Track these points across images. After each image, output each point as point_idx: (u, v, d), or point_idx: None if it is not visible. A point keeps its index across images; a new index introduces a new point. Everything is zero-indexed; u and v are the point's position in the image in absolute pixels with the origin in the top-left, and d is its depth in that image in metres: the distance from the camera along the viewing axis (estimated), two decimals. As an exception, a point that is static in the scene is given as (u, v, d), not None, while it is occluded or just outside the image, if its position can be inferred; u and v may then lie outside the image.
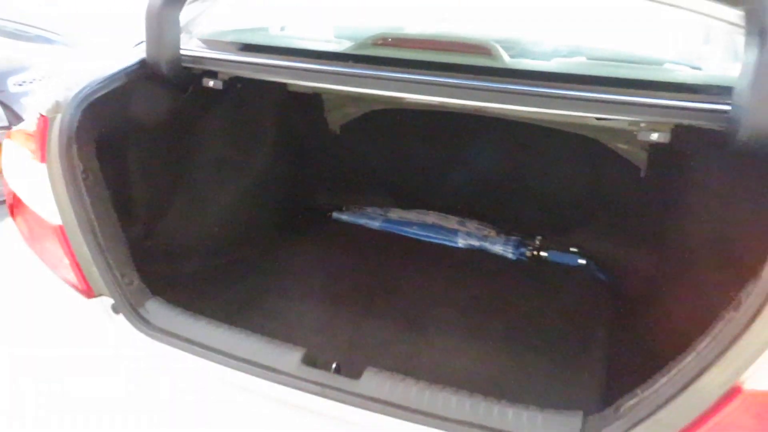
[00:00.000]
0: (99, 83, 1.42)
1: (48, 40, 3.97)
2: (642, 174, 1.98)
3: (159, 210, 1.78)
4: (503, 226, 2.32)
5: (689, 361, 0.96)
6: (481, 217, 2.35)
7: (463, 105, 1.52)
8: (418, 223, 2.36)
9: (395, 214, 2.43)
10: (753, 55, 1.09)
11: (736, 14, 1.21)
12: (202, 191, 1.96)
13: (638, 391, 1.03)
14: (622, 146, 1.96)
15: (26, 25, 4.07)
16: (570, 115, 1.48)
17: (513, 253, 2.19)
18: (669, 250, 1.75)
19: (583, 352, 1.67)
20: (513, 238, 2.24)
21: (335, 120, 2.36)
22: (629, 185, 2.03)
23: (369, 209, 2.47)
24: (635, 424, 0.99)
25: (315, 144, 2.42)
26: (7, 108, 3.27)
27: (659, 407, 0.98)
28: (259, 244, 2.15)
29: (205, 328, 1.31)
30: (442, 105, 1.86)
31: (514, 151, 2.22)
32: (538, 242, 2.22)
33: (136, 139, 1.63)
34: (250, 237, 2.14)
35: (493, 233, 2.28)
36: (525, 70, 1.40)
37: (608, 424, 1.01)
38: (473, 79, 1.33)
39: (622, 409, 1.03)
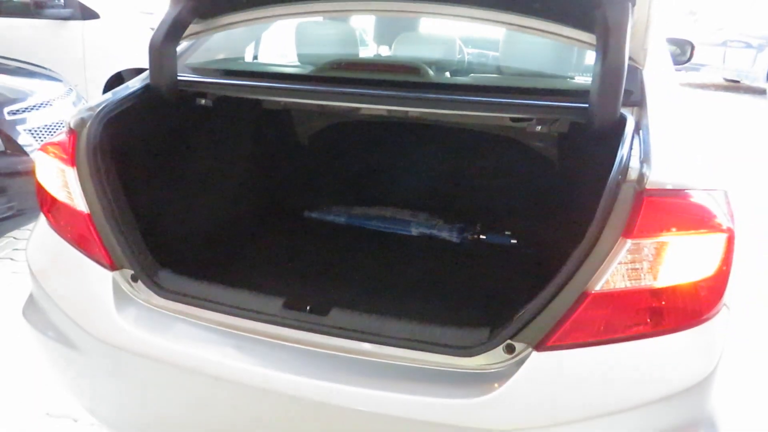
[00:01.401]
0: (115, 104, 1.81)
1: (33, 74, 4.32)
2: (556, 166, 2.44)
3: (157, 211, 2.05)
4: (449, 216, 2.74)
5: (557, 279, 1.38)
6: (431, 209, 2.78)
7: (404, 112, 1.95)
8: (378, 217, 2.76)
9: (358, 210, 2.83)
10: (598, 66, 1.54)
11: (591, 37, 1.66)
12: (193, 195, 2.30)
13: (527, 306, 1.44)
14: (538, 144, 2.42)
15: (13, 60, 4.45)
16: (483, 116, 1.91)
17: (457, 238, 2.61)
18: (572, 220, 2.19)
19: (509, 304, 2.08)
20: (457, 225, 2.67)
21: (303, 132, 2.78)
22: (546, 176, 2.49)
23: (335, 207, 2.86)
24: (522, 328, 1.40)
25: (286, 153, 2.83)
26: (3, 134, 3.60)
27: (538, 313, 1.39)
28: (242, 239, 2.52)
29: (207, 287, 1.68)
30: (390, 114, 2.29)
31: (455, 154, 2.66)
32: (478, 228, 2.65)
33: (141, 150, 2.00)
34: (233, 234, 2.52)
35: (440, 222, 2.70)
36: (448, 84, 1.84)
37: (505, 329, 1.42)
38: (407, 91, 1.76)
39: (514, 319, 1.44)
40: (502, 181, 2.62)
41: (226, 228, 2.46)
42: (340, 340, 1.52)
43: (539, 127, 1.87)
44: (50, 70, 4.46)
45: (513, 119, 2.07)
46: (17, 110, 3.72)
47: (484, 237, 2.61)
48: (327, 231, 2.71)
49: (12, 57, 4.51)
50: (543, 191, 2.52)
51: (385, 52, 2.68)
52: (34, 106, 3.80)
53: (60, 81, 4.26)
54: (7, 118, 3.67)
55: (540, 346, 1.39)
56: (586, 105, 1.61)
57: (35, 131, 3.73)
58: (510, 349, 1.42)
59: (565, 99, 1.70)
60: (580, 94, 1.71)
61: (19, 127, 3.69)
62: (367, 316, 1.55)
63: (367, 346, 1.50)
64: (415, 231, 2.67)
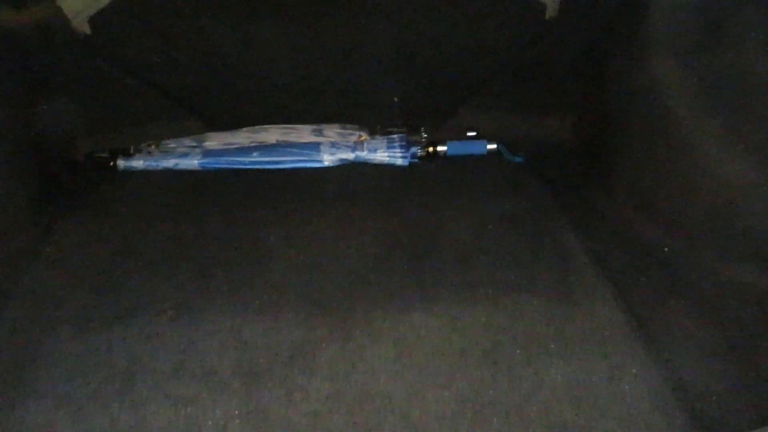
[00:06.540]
0: None
1: None
2: (549, 14, 1.48)
3: None
4: (373, 123, 1.67)
5: None
6: (342, 117, 1.67)
7: None
8: (255, 147, 1.60)
9: (215, 140, 1.64)
10: None
11: None
12: None
13: None
14: None
15: None
16: None
17: (403, 157, 1.58)
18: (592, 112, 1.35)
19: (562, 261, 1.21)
20: (395, 136, 1.62)
21: (75, 10, 1.40)
22: (528, 33, 1.53)
23: (172, 143, 1.64)
24: None
25: (50, 55, 1.45)
26: None
27: None
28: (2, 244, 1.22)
29: None
30: None
31: (367, 12, 1.52)
32: (425, 135, 1.64)
33: None
34: None
35: (365, 136, 1.64)
36: None
37: None
38: None
39: None
40: (446, 50, 1.59)
41: None
42: None
43: None
44: None
45: None
46: None
47: (443, 148, 1.62)
48: (167, 191, 1.50)
49: None
50: (521, 61, 1.58)
51: None
52: None
53: None
54: None
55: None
56: None
57: None
58: None
59: None
60: None
61: None
62: None
63: None
64: (328, 159, 1.57)
